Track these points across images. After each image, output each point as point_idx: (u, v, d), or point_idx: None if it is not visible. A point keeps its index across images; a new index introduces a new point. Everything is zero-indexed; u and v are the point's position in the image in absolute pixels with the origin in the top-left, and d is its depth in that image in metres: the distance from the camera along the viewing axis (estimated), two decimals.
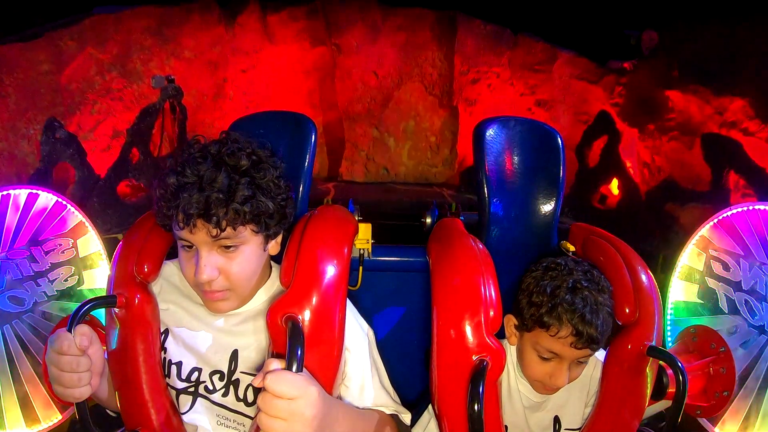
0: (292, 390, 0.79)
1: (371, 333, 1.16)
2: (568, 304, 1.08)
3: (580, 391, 1.27)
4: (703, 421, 1.41)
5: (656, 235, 2.16)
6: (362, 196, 3.11)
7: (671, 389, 1.21)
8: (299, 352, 0.85)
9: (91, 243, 1.51)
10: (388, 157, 3.96)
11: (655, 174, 2.26)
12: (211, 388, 1.06)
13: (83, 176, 2.10)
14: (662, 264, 1.94)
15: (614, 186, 2.51)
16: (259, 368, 1.02)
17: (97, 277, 1.51)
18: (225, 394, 1.05)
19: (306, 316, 0.97)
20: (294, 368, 0.82)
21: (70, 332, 0.93)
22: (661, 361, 1.21)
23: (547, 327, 1.09)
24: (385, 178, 3.70)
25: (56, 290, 1.46)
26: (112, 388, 1.07)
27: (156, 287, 1.12)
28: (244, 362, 1.06)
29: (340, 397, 1.05)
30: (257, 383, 0.81)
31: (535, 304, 1.12)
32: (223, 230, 0.92)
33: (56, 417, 1.41)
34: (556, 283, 1.12)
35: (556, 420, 1.26)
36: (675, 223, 2.10)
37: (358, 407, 1.07)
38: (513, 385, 1.24)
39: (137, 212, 1.98)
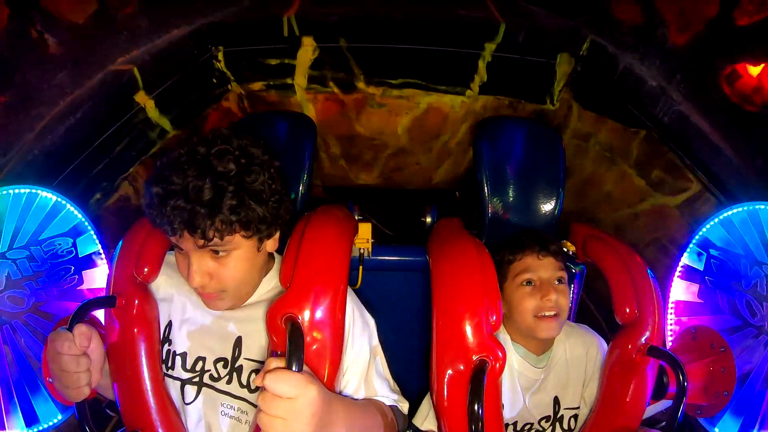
0: (292, 389, 0.79)
1: (372, 322, 1.16)
2: (517, 237, 1.33)
3: (577, 370, 1.30)
4: (703, 421, 1.41)
5: None
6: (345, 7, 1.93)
7: (671, 389, 1.22)
8: (299, 352, 0.85)
9: (91, 243, 1.51)
10: None
11: None
12: (216, 376, 1.06)
13: None
14: None
15: (757, 69, 1.51)
16: (262, 355, 1.03)
17: (97, 277, 1.51)
18: (229, 381, 1.06)
19: (306, 316, 0.97)
20: (294, 368, 0.82)
21: (70, 332, 0.93)
22: (661, 361, 1.21)
23: (515, 258, 1.29)
24: None
25: (56, 290, 1.46)
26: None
27: (162, 276, 1.13)
28: (248, 349, 1.07)
29: (340, 390, 1.06)
30: (258, 382, 0.81)
31: (500, 256, 1.31)
32: (210, 240, 0.91)
33: (56, 417, 1.41)
34: (505, 242, 1.36)
35: (556, 401, 1.28)
36: None
37: (358, 399, 1.07)
38: (512, 366, 1.25)
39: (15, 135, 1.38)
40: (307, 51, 1.98)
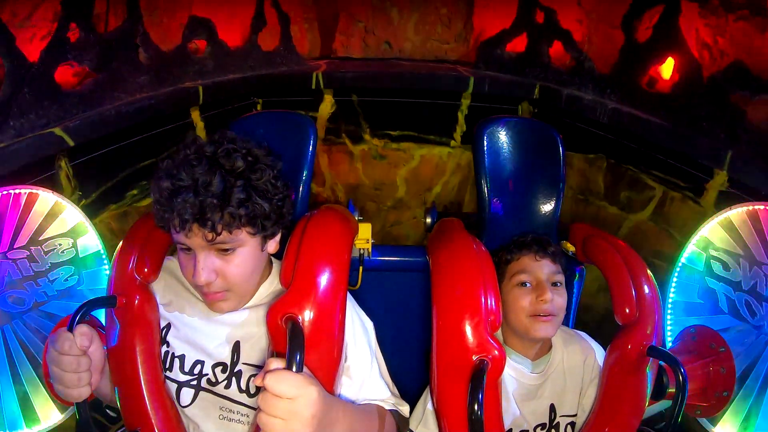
0: (292, 390, 0.79)
1: (371, 325, 1.17)
2: (517, 238, 1.34)
3: (574, 378, 1.30)
4: (703, 421, 1.41)
5: (720, 127, 1.74)
6: (358, 69, 2.60)
7: (671, 389, 1.22)
8: (299, 352, 0.85)
9: (91, 243, 1.51)
10: (390, 30, 3.22)
11: (717, 59, 1.81)
12: (213, 380, 1.06)
13: (12, 67, 1.58)
14: (730, 163, 1.64)
15: (666, 68, 2.00)
16: (261, 360, 1.03)
17: (97, 277, 1.51)
18: (227, 386, 1.06)
19: (306, 316, 0.97)
20: (294, 368, 0.82)
21: (71, 332, 0.93)
22: (661, 361, 1.21)
23: (512, 258, 1.30)
24: (387, 54, 3.11)
25: (56, 290, 1.46)
26: (113, 385, 1.07)
27: (160, 281, 1.13)
28: (246, 354, 1.07)
29: (340, 392, 1.06)
30: (258, 382, 0.81)
31: (498, 257, 1.31)
32: (218, 234, 0.92)
33: (56, 417, 1.41)
34: (504, 243, 1.37)
35: (552, 408, 1.27)
36: (742, 118, 1.67)
37: (358, 402, 1.07)
38: (505, 373, 1.24)
39: (82, 102, 1.73)
40: (327, 105, 2.56)
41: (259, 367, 1.05)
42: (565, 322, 1.47)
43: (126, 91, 1.94)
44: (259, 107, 2.48)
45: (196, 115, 2.18)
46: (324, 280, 1.02)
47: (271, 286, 1.11)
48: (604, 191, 2.23)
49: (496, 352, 1.07)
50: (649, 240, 1.98)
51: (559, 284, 1.26)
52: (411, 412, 1.21)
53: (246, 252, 0.99)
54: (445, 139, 2.61)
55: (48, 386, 1.34)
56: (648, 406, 1.21)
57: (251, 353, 1.06)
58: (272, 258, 1.16)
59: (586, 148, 2.26)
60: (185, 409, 1.07)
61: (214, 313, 1.08)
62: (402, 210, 2.79)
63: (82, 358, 0.93)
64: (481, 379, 1.03)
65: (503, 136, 1.61)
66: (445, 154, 2.64)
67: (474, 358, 1.07)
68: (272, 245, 1.06)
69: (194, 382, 1.07)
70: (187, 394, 1.07)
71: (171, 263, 1.16)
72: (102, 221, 1.80)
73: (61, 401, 1.37)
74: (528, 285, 1.25)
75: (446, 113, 2.55)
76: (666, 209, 1.94)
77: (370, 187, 2.74)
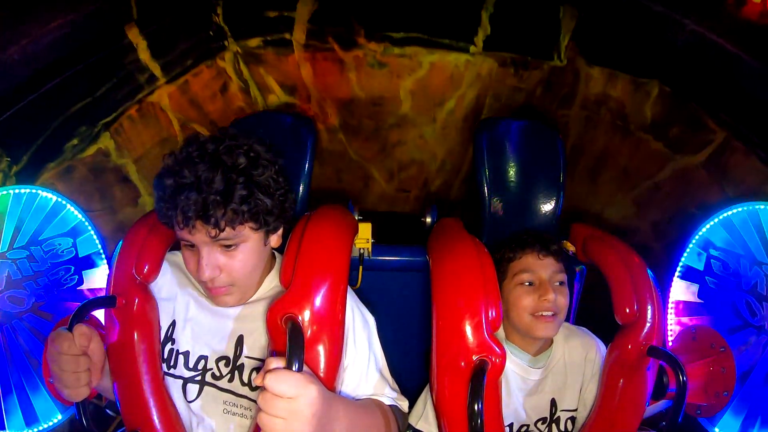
0: (292, 389, 0.79)
1: (372, 320, 1.17)
2: (518, 235, 1.33)
3: (575, 373, 1.30)
4: (703, 421, 1.41)
5: None
6: None
7: (671, 389, 1.22)
8: (299, 352, 0.85)
9: (91, 243, 1.51)
10: None
11: None
12: (217, 374, 1.07)
13: None
14: None
15: None
16: (263, 354, 1.04)
17: (97, 277, 1.51)
18: (231, 380, 1.06)
19: (306, 316, 0.97)
20: (294, 368, 0.82)
21: (70, 332, 0.93)
22: (661, 361, 1.21)
23: (515, 257, 1.28)
24: None
25: (56, 290, 1.46)
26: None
27: (165, 275, 1.14)
28: (249, 347, 1.07)
29: (340, 389, 1.06)
30: (258, 382, 0.81)
31: (500, 254, 1.30)
32: (222, 230, 0.93)
33: (56, 417, 1.41)
34: (506, 239, 1.35)
35: (553, 403, 1.27)
36: None
37: (358, 399, 1.08)
38: (508, 369, 1.23)
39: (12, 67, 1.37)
40: (306, 1, 1.91)
41: (261, 361, 1.05)
42: (566, 321, 1.47)
43: (37, 22, 1.45)
44: (219, 10, 1.90)
45: (134, 34, 1.69)
46: (324, 279, 1.02)
47: (274, 280, 1.12)
48: (650, 122, 1.83)
49: (497, 355, 1.07)
50: (694, 188, 1.73)
51: (561, 283, 1.26)
52: (410, 409, 1.22)
53: (249, 247, 1.00)
54: (462, 44, 1.98)
55: (48, 386, 1.34)
56: (648, 406, 1.21)
57: (253, 347, 1.07)
58: (275, 252, 1.16)
59: (636, 69, 1.80)
60: (190, 404, 1.07)
61: (217, 307, 1.08)
62: (406, 128, 2.29)
63: (81, 358, 0.94)
64: (482, 380, 1.03)
65: (504, 137, 1.61)
66: (462, 62, 2.03)
67: (474, 358, 1.07)
68: (275, 239, 1.07)
69: (199, 378, 1.07)
70: (192, 389, 1.07)
71: (176, 257, 1.16)
72: (44, 184, 1.54)
73: (61, 401, 1.37)
74: (530, 284, 1.24)
75: (466, 11, 1.93)
76: (724, 159, 1.64)
77: (366, 102, 2.19)
